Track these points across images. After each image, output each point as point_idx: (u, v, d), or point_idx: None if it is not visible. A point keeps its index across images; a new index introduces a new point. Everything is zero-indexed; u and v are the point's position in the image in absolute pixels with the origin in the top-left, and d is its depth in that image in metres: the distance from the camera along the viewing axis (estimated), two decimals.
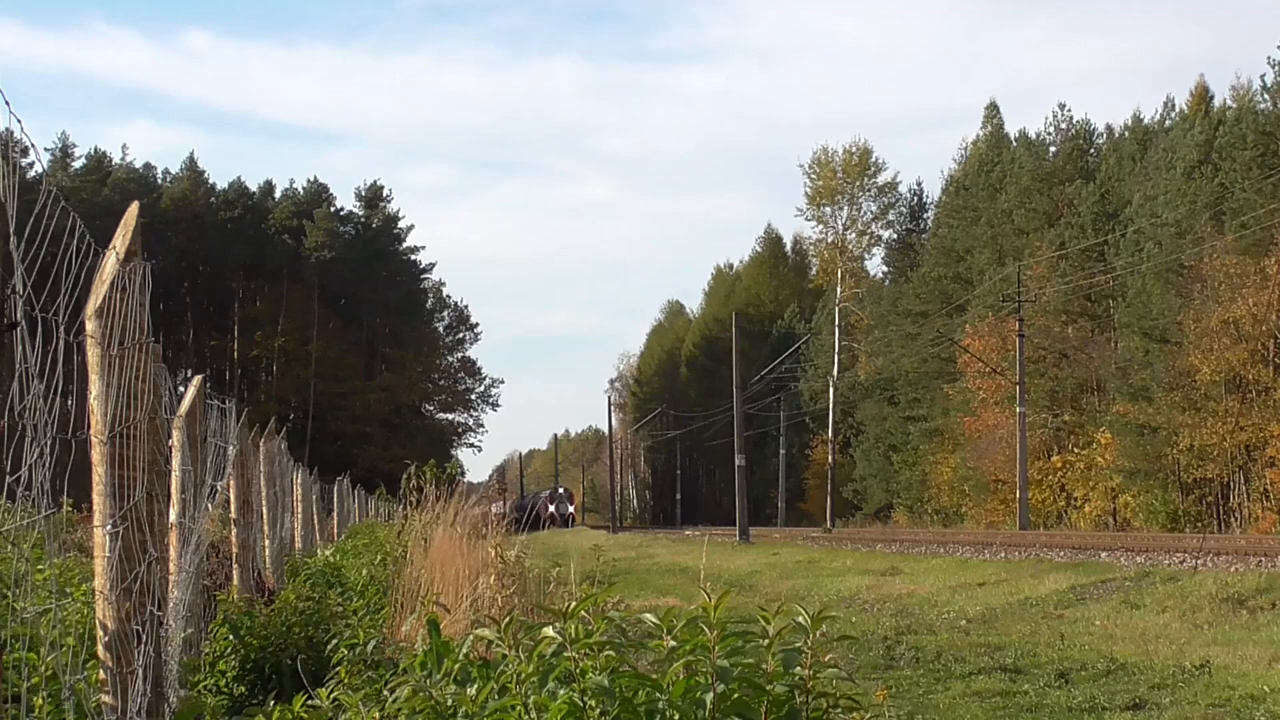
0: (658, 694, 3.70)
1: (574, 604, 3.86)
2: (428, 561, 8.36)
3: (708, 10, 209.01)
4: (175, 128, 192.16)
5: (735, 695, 3.65)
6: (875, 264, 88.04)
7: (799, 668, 3.76)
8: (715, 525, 73.95)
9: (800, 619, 3.79)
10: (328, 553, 17.76)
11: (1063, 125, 64.17)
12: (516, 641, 3.88)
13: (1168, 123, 60.08)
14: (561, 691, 3.73)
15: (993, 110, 76.75)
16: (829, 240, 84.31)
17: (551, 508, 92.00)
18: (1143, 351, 48.20)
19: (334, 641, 6.10)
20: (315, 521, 22.75)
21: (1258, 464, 43.69)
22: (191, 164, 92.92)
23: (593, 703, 3.64)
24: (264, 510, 12.05)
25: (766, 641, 3.74)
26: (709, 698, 3.61)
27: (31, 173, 3.43)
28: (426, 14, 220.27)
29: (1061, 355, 56.35)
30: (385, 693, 4.70)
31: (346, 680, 5.37)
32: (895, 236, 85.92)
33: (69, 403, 3.56)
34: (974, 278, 63.48)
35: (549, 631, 3.81)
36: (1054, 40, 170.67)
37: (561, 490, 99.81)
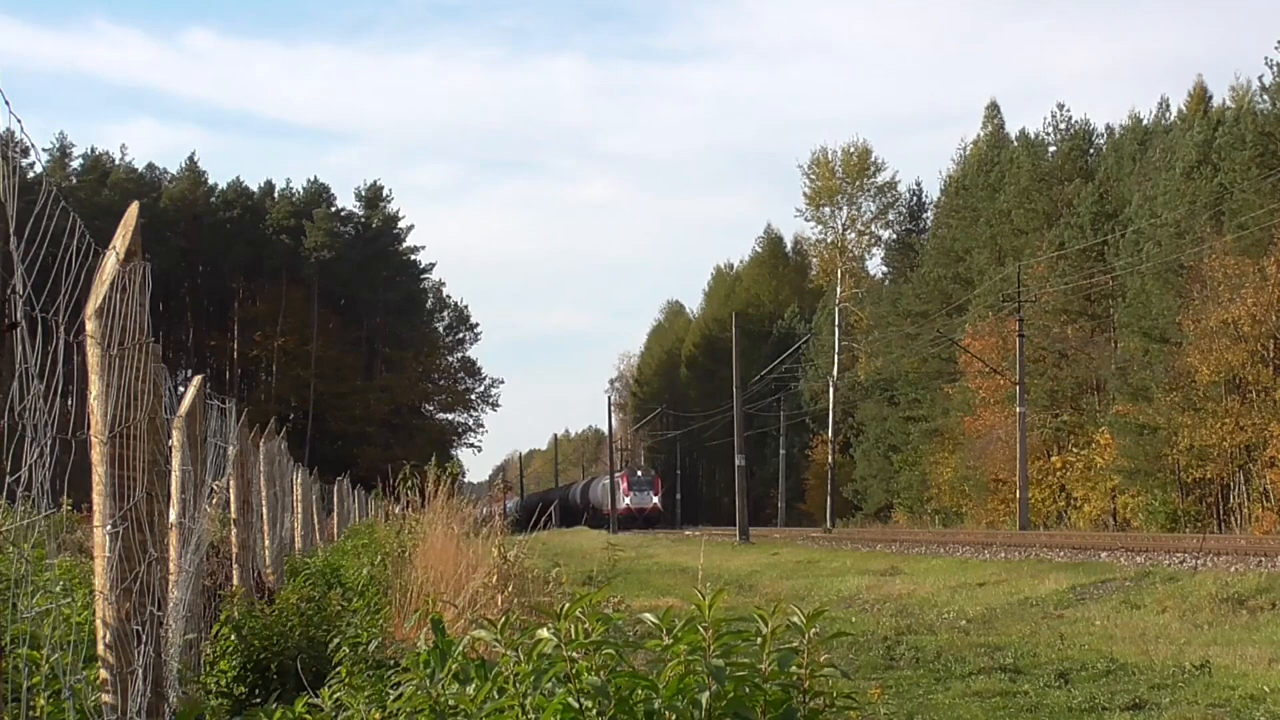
0: (654, 694, 3.70)
1: (568, 604, 3.87)
2: (426, 561, 8.37)
3: (710, 9, 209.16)
4: (176, 127, 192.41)
5: (731, 694, 3.65)
6: (875, 264, 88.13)
7: (795, 666, 3.76)
8: (715, 525, 73.88)
9: (795, 619, 3.79)
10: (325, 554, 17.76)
11: (1062, 125, 64.18)
12: (513, 642, 3.88)
13: (1166, 123, 60.05)
14: (559, 691, 3.73)
15: (993, 110, 76.80)
16: (829, 240, 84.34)
17: (626, 500, 67.87)
18: (1142, 351, 48.18)
19: (335, 641, 6.10)
20: (315, 521, 22.75)
21: (1258, 464, 43.67)
22: (191, 164, 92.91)
23: (589, 703, 3.65)
24: (264, 510, 12.05)
25: (760, 640, 3.75)
26: (704, 697, 3.62)
27: (31, 173, 3.44)
28: (429, 13, 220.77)
29: (1061, 355, 56.30)
30: (388, 691, 4.70)
31: (348, 680, 5.37)
32: (895, 236, 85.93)
33: (69, 403, 3.56)
34: (974, 278, 63.46)
35: (544, 632, 3.81)
36: (1054, 40, 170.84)
37: (640, 473, 74.56)
